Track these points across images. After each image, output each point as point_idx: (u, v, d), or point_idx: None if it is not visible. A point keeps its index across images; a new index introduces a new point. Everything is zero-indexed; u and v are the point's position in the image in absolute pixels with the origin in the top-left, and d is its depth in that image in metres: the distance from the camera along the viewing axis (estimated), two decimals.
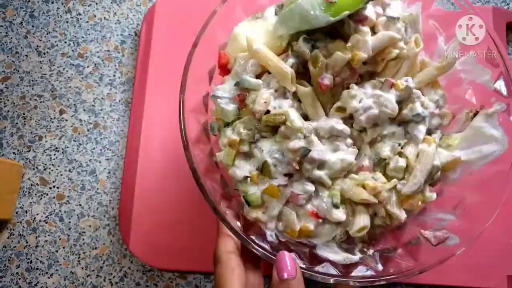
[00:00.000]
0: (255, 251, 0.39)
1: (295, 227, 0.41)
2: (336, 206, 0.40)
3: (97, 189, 0.55)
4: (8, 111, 0.57)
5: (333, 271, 0.41)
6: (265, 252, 0.39)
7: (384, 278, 0.39)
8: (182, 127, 0.40)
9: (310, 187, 0.41)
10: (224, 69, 0.45)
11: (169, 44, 0.57)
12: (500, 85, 0.43)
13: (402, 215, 0.41)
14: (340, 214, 0.40)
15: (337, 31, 0.42)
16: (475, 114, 0.43)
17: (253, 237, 0.40)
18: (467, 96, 0.45)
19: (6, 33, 0.60)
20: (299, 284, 0.37)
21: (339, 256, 0.42)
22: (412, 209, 0.42)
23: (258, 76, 0.43)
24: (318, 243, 0.42)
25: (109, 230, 0.54)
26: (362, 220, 0.41)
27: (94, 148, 0.56)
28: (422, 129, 0.41)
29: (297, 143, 0.39)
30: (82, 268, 0.53)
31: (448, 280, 0.50)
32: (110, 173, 0.55)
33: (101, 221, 0.54)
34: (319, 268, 0.41)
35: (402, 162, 0.41)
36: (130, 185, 0.53)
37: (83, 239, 0.53)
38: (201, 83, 0.44)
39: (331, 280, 0.39)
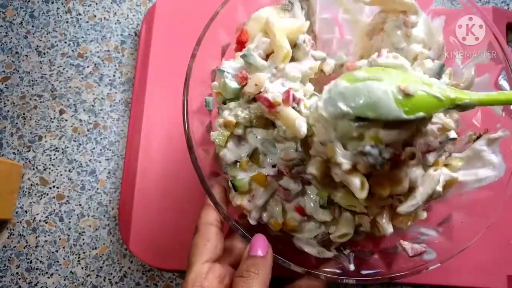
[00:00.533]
0: (232, 226, 0.39)
1: (279, 219, 0.41)
2: (323, 207, 0.40)
3: (97, 189, 0.55)
4: (8, 111, 0.57)
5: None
6: (242, 230, 0.39)
7: (353, 278, 0.40)
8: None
9: (298, 187, 0.40)
10: (241, 47, 0.44)
11: (169, 44, 0.57)
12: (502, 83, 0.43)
13: (389, 229, 0.40)
14: (325, 216, 0.40)
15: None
16: (478, 137, 0.42)
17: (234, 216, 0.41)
18: (474, 120, 0.45)
19: (6, 33, 0.60)
20: (265, 265, 0.37)
21: (314, 249, 0.42)
22: (400, 226, 0.41)
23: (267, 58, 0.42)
24: (299, 237, 0.42)
25: (109, 230, 0.54)
26: (346, 227, 0.41)
27: (94, 148, 0.56)
28: (435, 154, 0.39)
29: (291, 154, 0.39)
30: (82, 268, 0.53)
31: (448, 280, 0.50)
32: (110, 173, 0.55)
33: (101, 221, 0.54)
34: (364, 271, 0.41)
35: (405, 183, 0.38)
36: (130, 185, 0.53)
37: (83, 239, 0.53)
38: (203, 84, 0.44)
39: (300, 271, 0.39)
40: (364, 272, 0.41)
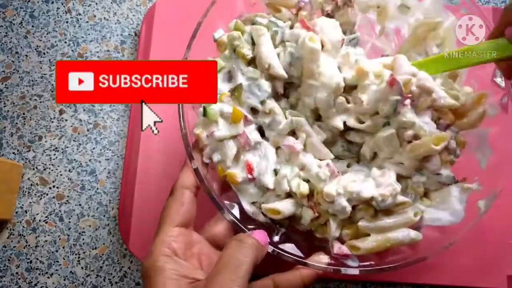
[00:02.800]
0: (209, 196, 0.39)
1: (226, 165, 0.41)
2: (275, 172, 0.41)
3: (97, 189, 0.55)
4: (8, 111, 0.57)
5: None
6: (217, 201, 0.40)
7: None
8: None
9: (258, 139, 0.41)
10: None
11: (169, 44, 0.56)
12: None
13: (335, 234, 0.42)
14: (270, 182, 0.41)
15: None
16: (456, 182, 0.43)
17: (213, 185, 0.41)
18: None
19: (6, 33, 0.60)
20: (262, 250, 0.37)
21: (250, 208, 0.42)
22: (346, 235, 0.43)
23: None
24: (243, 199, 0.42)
25: (109, 230, 0.54)
26: (284, 207, 0.41)
27: (94, 148, 0.56)
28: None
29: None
30: (82, 268, 0.53)
31: (448, 280, 0.50)
32: (110, 173, 0.55)
33: (101, 221, 0.54)
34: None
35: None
36: (130, 185, 0.53)
37: (83, 239, 0.53)
38: None
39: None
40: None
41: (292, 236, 0.43)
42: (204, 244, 0.40)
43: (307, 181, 0.41)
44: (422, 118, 0.41)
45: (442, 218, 0.42)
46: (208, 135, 0.41)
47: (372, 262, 0.41)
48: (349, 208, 0.40)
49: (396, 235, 0.41)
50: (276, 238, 0.42)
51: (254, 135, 0.42)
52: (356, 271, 0.40)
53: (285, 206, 0.41)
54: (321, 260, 0.40)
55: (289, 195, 0.42)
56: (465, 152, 0.44)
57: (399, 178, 0.42)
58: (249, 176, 0.41)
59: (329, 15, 0.46)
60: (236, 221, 0.39)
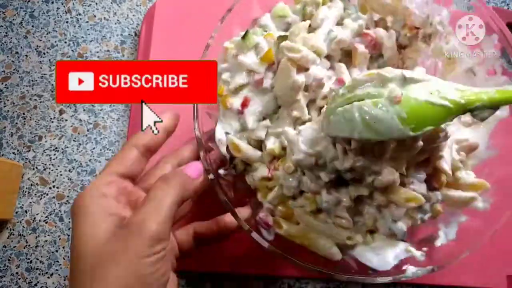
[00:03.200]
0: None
1: (229, 88, 0.41)
2: (263, 119, 0.42)
3: None
4: (8, 111, 0.57)
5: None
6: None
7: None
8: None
9: (268, 87, 0.41)
10: None
11: (169, 44, 0.57)
12: None
13: (272, 203, 0.41)
14: (252, 123, 0.42)
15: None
16: (405, 241, 0.41)
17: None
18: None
19: (6, 33, 0.60)
20: (189, 185, 0.37)
21: (220, 134, 0.42)
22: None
23: None
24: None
25: None
26: (249, 150, 0.42)
27: (94, 148, 0.56)
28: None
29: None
30: None
31: (448, 280, 0.50)
32: None
33: None
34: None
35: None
36: None
37: None
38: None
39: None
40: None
41: (236, 184, 0.43)
42: (141, 193, 0.39)
43: (284, 148, 0.41)
44: (416, 173, 0.38)
45: (371, 260, 0.40)
46: (234, 55, 0.41)
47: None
48: (297, 190, 0.40)
49: (319, 241, 0.40)
50: (222, 171, 0.42)
51: (267, 84, 0.41)
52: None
53: (249, 150, 0.42)
54: (242, 212, 0.40)
55: (260, 148, 0.43)
56: (432, 222, 0.42)
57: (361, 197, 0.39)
58: (239, 108, 0.41)
59: (401, 46, 0.44)
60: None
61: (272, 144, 0.41)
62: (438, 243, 0.41)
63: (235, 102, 0.41)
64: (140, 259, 0.31)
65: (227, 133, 0.42)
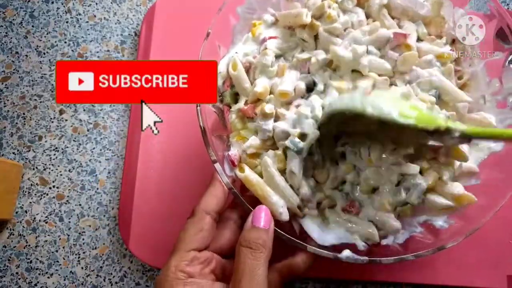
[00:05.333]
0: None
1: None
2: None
3: (97, 189, 0.55)
4: (8, 111, 0.57)
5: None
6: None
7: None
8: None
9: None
10: None
11: (169, 44, 0.57)
12: None
13: (246, 145, 0.43)
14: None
15: None
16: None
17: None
18: None
19: (6, 33, 0.60)
20: (269, 239, 0.37)
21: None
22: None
23: None
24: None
25: (109, 230, 0.54)
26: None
27: (94, 148, 0.56)
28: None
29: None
30: (82, 268, 0.53)
31: (448, 280, 0.50)
32: (110, 173, 0.55)
33: (101, 221, 0.54)
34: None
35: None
36: (130, 185, 0.53)
37: (83, 239, 0.53)
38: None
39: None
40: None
41: (218, 117, 0.46)
42: (215, 257, 0.40)
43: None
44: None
45: (312, 231, 0.42)
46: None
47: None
48: (270, 142, 0.42)
49: (272, 197, 0.41)
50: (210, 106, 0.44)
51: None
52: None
53: (243, 75, 0.44)
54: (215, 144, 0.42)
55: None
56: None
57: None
58: (266, 37, 0.45)
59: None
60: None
61: (261, 88, 0.43)
62: (384, 242, 0.42)
63: (265, 32, 0.44)
64: None
65: (236, 53, 0.45)
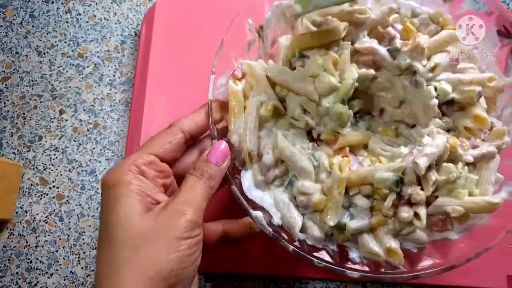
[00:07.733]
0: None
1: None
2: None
3: (97, 189, 0.55)
4: (8, 111, 0.57)
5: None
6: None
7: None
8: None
9: None
10: None
11: (169, 44, 0.57)
12: None
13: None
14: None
15: None
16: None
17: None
18: None
19: (6, 33, 0.60)
20: (217, 176, 0.37)
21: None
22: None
23: None
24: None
25: None
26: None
27: (94, 148, 0.56)
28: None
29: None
30: (82, 268, 0.53)
31: (448, 280, 0.50)
32: None
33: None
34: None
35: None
36: None
37: (83, 239, 0.53)
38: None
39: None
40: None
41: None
42: (172, 179, 0.40)
43: None
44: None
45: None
46: None
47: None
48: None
49: (236, 123, 0.41)
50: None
51: None
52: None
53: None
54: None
55: None
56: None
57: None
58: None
59: None
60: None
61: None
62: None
63: None
64: (180, 240, 0.33)
65: None
